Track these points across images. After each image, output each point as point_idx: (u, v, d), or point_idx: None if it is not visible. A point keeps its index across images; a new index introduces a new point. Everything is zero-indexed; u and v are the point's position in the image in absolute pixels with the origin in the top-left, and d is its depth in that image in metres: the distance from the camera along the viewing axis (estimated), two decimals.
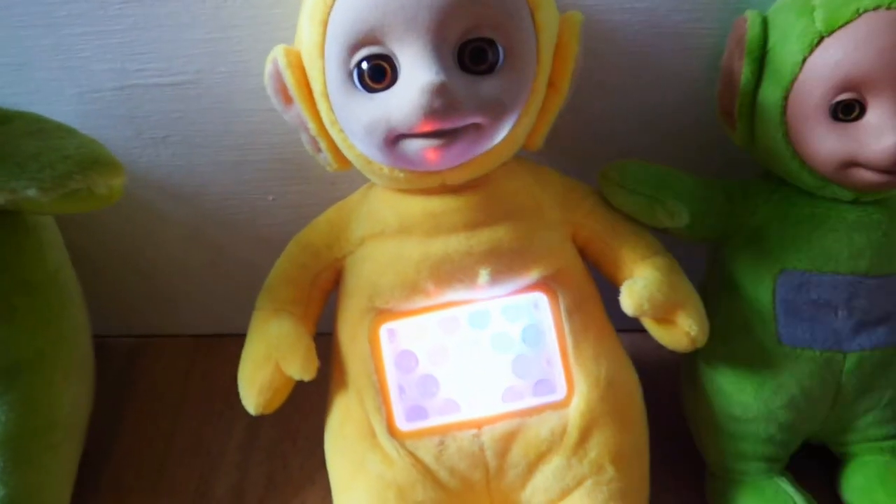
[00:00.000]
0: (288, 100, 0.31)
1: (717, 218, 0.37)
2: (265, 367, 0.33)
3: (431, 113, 0.26)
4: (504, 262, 0.32)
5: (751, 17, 0.34)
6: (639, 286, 0.33)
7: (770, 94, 0.33)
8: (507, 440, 0.32)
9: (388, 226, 0.33)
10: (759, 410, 0.36)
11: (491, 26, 0.27)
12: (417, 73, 0.26)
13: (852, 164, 0.32)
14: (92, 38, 0.38)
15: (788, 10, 0.33)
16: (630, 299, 0.32)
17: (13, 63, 0.39)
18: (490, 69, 0.27)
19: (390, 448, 0.32)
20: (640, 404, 0.35)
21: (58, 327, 0.35)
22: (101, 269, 0.46)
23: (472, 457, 0.32)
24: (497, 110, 0.28)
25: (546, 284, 0.33)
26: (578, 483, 0.32)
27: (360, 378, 0.33)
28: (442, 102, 0.25)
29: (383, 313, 0.33)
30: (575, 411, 0.32)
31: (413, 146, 0.28)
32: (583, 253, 0.36)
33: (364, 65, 0.27)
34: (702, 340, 0.34)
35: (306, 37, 0.29)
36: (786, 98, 0.33)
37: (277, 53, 0.30)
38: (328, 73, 0.28)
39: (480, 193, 0.32)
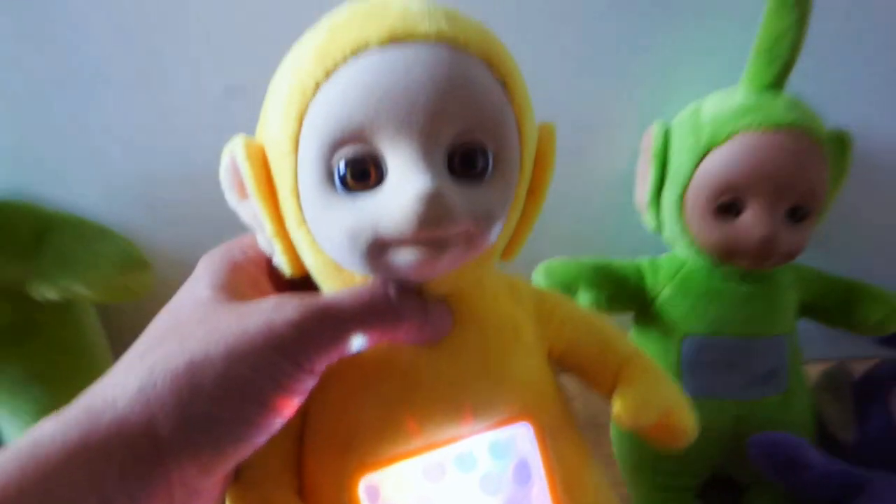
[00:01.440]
0: (243, 195, 0.27)
1: (631, 295, 0.44)
2: None
3: (426, 221, 0.23)
4: (486, 391, 0.29)
5: (656, 129, 0.42)
6: (628, 396, 0.31)
7: (671, 193, 0.41)
8: None
9: (357, 368, 0.28)
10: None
11: (482, 131, 0.25)
12: (410, 177, 0.24)
13: (735, 251, 0.40)
14: (119, 142, 0.45)
15: (685, 125, 0.41)
16: (622, 408, 0.31)
17: (52, 166, 0.46)
18: (479, 175, 0.26)
19: None
20: None
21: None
22: (129, 340, 0.53)
23: None
24: (488, 218, 0.26)
25: (530, 413, 0.30)
26: None
27: None
28: (437, 211, 0.24)
29: (363, 464, 0.27)
30: None
31: (402, 255, 0.25)
32: (560, 366, 0.34)
33: (346, 164, 0.25)
34: (692, 436, 0.33)
35: (276, 129, 0.26)
36: (683, 197, 0.41)
37: (236, 145, 0.27)
38: (301, 170, 0.25)
39: (457, 315, 0.29)
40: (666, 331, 0.43)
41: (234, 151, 0.27)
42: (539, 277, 0.43)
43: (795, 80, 0.40)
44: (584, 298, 0.43)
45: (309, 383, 0.24)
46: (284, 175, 0.26)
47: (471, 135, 0.25)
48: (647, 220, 0.44)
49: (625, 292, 0.44)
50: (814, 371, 0.49)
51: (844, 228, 0.51)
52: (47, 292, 0.38)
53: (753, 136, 0.38)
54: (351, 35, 0.24)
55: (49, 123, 0.45)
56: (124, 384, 0.22)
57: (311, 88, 0.24)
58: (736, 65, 0.41)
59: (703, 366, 0.43)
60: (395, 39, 0.24)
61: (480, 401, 0.29)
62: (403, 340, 0.27)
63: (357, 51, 0.24)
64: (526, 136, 0.28)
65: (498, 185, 0.27)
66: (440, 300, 0.28)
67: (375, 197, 0.24)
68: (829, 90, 0.44)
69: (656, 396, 0.32)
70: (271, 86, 0.27)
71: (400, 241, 0.25)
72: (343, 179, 0.25)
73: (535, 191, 0.30)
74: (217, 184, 0.27)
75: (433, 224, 0.24)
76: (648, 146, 0.42)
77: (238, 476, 0.27)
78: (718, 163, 0.39)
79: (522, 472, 0.30)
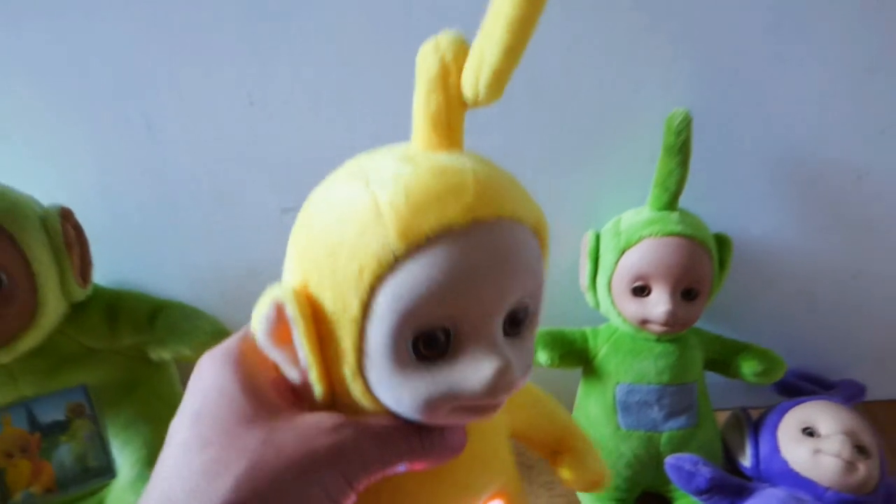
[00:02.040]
0: (280, 341, 0.26)
1: (578, 354, 0.60)
2: None
3: (501, 390, 0.26)
4: (484, 476, 0.33)
5: (590, 235, 0.59)
6: (576, 471, 0.39)
7: (602, 279, 0.58)
8: None
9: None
10: (609, 468, 0.58)
11: (530, 295, 0.27)
12: (486, 350, 0.26)
13: (647, 321, 0.56)
14: (201, 245, 0.62)
15: (609, 232, 0.58)
16: (576, 483, 0.39)
17: (149, 262, 0.63)
18: (521, 331, 0.28)
19: None
20: None
21: None
22: None
23: None
24: (530, 368, 0.28)
25: (504, 490, 0.34)
26: None
27: None
28: (508, 380, 0.26)
29: None
30: None
31: (466, 413, 0.27)
32: (515, 438, 0.39)
33: (422, 338, 0.25)
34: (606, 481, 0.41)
35: (343, 292, 0.25)
36: (610, 282, 0.57)
37: (285, 296, 0.25)
38: (371, 335, 0.25)
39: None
40: (604, 380, 0.59)
41: (283, 302, 0.25)
42: None
43: (695, 197, 0.57)
44: (541, 357, 0.59)
45: (352, 500, 0.26)
46: (346, 333, 0.25)
47: (523, 301, 0.27)
48: (588, 299, 0.60)
49: (573, 352, 0.60)
50: (724, 415, 0.64)
51: (736, 305, 0.67)
52: (163, 354, 0.54)
53: (656, 240, 0.55)
54: (433, 212, 0.24)
55: (149, 235, 0.62)
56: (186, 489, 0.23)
57: (388, 261, 0.24)
58: (644, 190, 0.58)
59: (632, 405, 0.58)
60: (476, 221, 0.24)
61: (480, 484, 0.33)
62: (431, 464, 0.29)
63: (441, 232, 0.24)
64: (543, 279, 0.29)
65: (531, 333, 0.29)
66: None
67: (452, 368, 0.26)
68: (718, 204, 0.61)
69: (592, 462, 0.40)
70: (315, 222, 0.26)
71: (470, 404, 0.26)
72: (416, 349, 0.25)
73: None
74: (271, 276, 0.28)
75: (505, 392, 0.26)
76: (585, 247, 0.59)
77: None
78: (632, 259, 0.55)
79: None
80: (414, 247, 0.24)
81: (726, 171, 0.61)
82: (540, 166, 0.60)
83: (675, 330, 0.56)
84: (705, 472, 0.54)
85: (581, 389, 0.62)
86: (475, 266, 0.24)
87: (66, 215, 0.53)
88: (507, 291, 0.26)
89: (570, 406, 0.63)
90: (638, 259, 0.55)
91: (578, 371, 0.62)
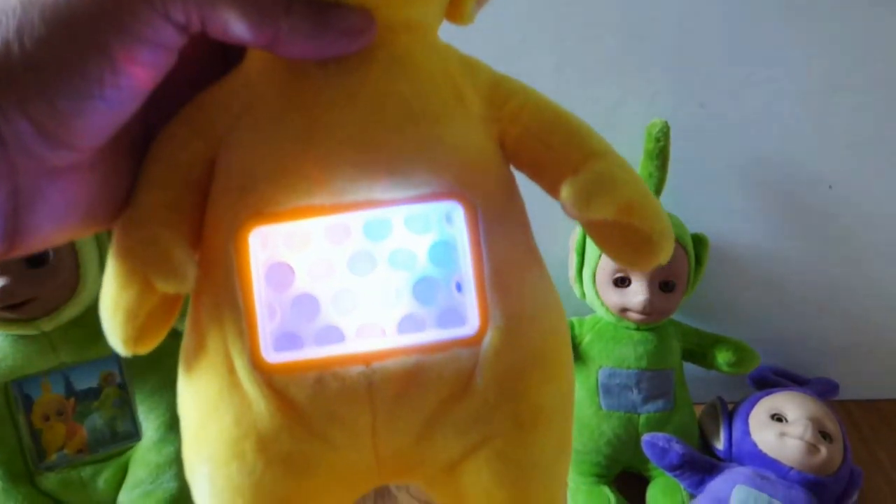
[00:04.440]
0: None
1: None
2: (131, 286, 0.23)
3: None
4: (409, 154, 0.24)
5: (578, 231, 0.64)
6: (582, 178, 0.25)
7: (587, 272, 0.63)
8: (403, 381, 0.24)
9: (265, 101, 0.25)
10: (591, 447, 0.63)
11: None
12: None
13: (626, 309, 0.61)
14: None
15: None
16: (572, 189, 0.25)
17: None
18: None
19: (250, 385, 0.24)
20: (567, 348, 0.28)
21: None
22: None
23: (358, 399, 0.24)
24: None
25: (462, 192, 0.25)
26: (485, 441, 0.25)
27: (220, 295, 0.24)
28: None
29: (257, 214, 0.24)
30: (488, 350, 0.24)
31: None
32: (516, 160, 0.28)
33: None
34: (662, 244, 0.26)
35: None
36: (594, 274, 0.63)
37: None
38: None
39: (385, 54, 0.25)
40: (588, 364, 0.64)
41: None
42: None
43: (675, 201, 0.63)
44: None
45: (163, 37, 0.20)
46: None
47: None
48: (575, 290, 0.66)
49: None
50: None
51: (712, 305, 0.73)
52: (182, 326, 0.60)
53: None
54: None
55: None
56: None
57: None
58: None
59: (613, 388, 0.63)
60: None
61: (400, 161, 0.24)
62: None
63: None
64: None
65: None
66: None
67: None
68: (696, 208, 0.67)
69: (617, 187, 0.25)
70: None
71: None
72: None
73: None
74: None
75: None
76: (573, 243, 0.65)
77: (124, 215, 0.24)
78: None
79: (443, 255, 0.26)
80: None
81: (704, 177, 0.67)
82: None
83: (653, 319, 0.61)
84: (678, 448, 0.58)
85: None
86: None
87: None
88: None
89: None
90: None
91: None
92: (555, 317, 0.27)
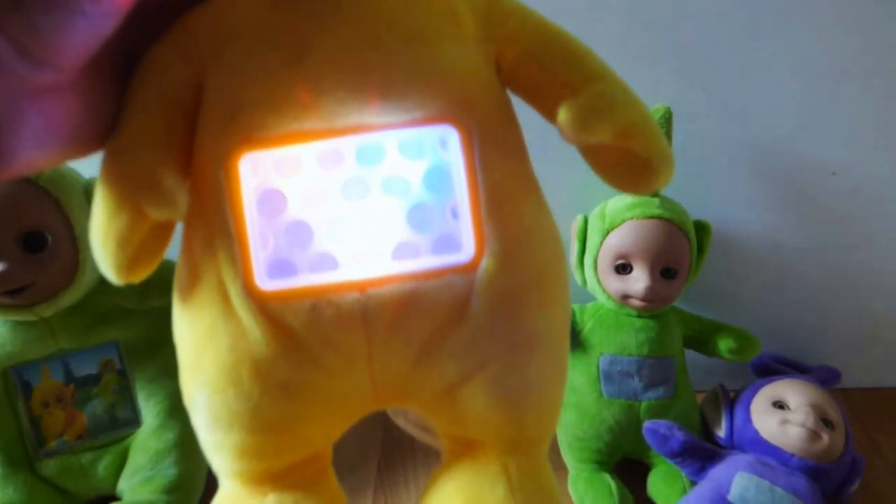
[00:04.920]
0: None
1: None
2: (122, 214, 0.23)
3: None
4: (402, 77, 0.24)
5: (580, 219, 0.64)
6: (580, 101, 0.24)
7: (588, 259, 0.63)
8: (398, 308, 0.24)
9: (252, 23, 0.24)
10: (592, 434, 0.62)
11: None
12: None
13: (628, 296, 0.61)
14: None
15: (595, 216, 0.63)
16: (569, 111, 0.23)
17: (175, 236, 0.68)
18: None
19: (244, 313, 0.24)
20: (564, 275, 0.27)
21: None
22: None
23: (353, 326, 0.24)
24: None
25: (457, 116, 0.24)
26: (481, 367, 0.25)
27: (212, 223, 0.24)
28: None
29: (247, 139, 0.23)
30: (483, 276, 0.24)
31: None
32: (513, 84, 0.27)
33: None
34: (662, 169, 0.25)
35: None
36: (596, 261, 0.62)
37: None
38: None
39: None
40: (589, 351, 0.64)
41: None
42: None
43: (678, 188, 0.63)
44: None
45: None
46: None
47: None
48: (577, 277, 0.65)
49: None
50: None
51: (714, 293, 0.72)
52: None
53: (638, 222, 0.60)
54: None
55: None
56: None
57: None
58: None
59: (614, 375, 0.63)
60: None
61: (392, 84, 0.23)
62: None
63: None
64: None
65: None
66: None
67: None
68: (699, 195, 0.66)
69: (617, 110, 0.24)
70: None
71: None
72: None
73: None
74: None
75: None
76: (575, 230, 0.64)
77: (111, 141, 0.24)
78: (616, 239, 0.61)
79: (438, 181, 0.26)
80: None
81: (706, 164, 0.66)
82: (536, 157, 0.65)
83: (655, 306, 0.61)
84: (679, 435, 0.58)
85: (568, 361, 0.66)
86: None
87: None
88: None
89: None
90: (620, 239, 0.60)
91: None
92: (550, 243, 0.26)
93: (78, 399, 0.62)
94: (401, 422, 0.35)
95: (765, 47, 0.61)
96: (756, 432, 0.61)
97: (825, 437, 0.58)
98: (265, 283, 0.24)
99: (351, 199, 0.26)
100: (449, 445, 0.29)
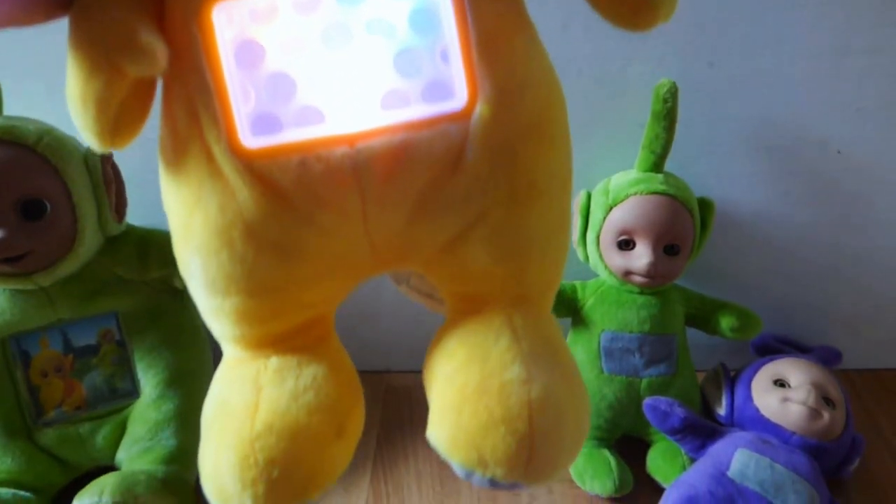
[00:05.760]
0: None
1: (567, 304, 0.65)
2: (99, 75, 0.22)
3: None
4: None
5: (582, 194, 0.63)
6: None
7: (591, 235, 0.62)
8: (390, 161, 0.23)
9: None
10: (592, 410, 0.62)
11: None
12: None
13: (630, 273, 0.60)
14: None
15: (598, 191, 0.63)
16: None
17: None
18: None
19: (231, 172, 0.23)
20: (562, 120, 0.27)
21: (204, 353, 0.63)
22: None
23: (344, 181, 0.23)
24: None
25: None
26: (479, 218, 0.24)
27: (189, 81, 0.23)
28: None
29: None
30: (478, 124, 0.23)
31: None
32: None
33: None
34: (664, 1, 0.25)
35: None
36: (598, 237, 0.62)
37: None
38: None
39: None
40: (590, 328, 0.63)
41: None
42: None
43: (682, 164, 0.62)
44: None
45: None
46: None
47: None
48: (579, 253, 0.65)
49: (562, 302, 0.65)
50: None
51: (716, 271, 0.72)
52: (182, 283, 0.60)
53: (641, 198, 0.59)
54: None
55: None
56: None
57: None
58: (633, 155, 0.63)
59: (615, 351, 0.62)
60: None
61: None
62: None
63: None
64: None
65: None
66: None
67: None
68: (703, 171, 0.66)
69: None
70: None
71: None
72: None
73: None
74: None
75: None
76: (577, 206, 0.64)
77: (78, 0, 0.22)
78: (619, 214, 0.60)
79: (425, 22, 0.24)
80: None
81: (711, 140, 0.65)
82: None
83: (657, 283, 0.61)
84: (679, 412, 0.58)
85: (570, 337, 0.66)
86: None
87: (105, 157, 0.58)
88: None
89: None
90: (624, 214, 0.60)
91: (568, 321, 0.67)
92: (548, 86, 0.25)
93: (77, 369, 0.62)
94: (404, 289, 0.33)
95: (772, 22, 0.60)
96: (756, 410, 0.61)
97: (826, 415, 0.58)
98: (249, 140, 0.23)
99: (333, 46, 0.24)
100: (453, 304, 0.28)
